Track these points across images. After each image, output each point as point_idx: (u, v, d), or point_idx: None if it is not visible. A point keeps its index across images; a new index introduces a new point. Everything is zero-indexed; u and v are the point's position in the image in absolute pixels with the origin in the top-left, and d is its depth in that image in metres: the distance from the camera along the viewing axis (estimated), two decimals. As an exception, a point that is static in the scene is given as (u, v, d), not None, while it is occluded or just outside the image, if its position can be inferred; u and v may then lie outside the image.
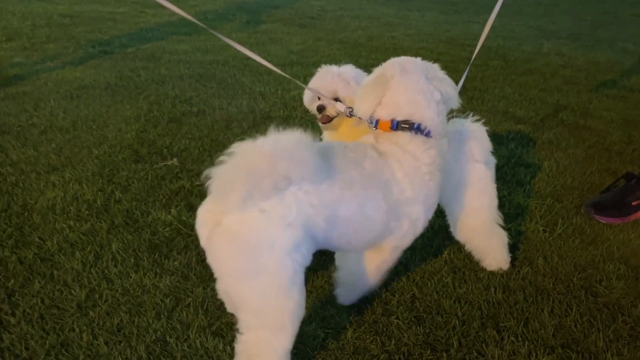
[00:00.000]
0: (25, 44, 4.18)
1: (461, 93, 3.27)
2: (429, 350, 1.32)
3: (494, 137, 2.64)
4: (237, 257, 1.06)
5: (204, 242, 1.11)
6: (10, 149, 2.35)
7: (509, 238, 1.65)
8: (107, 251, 1.66)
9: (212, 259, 1.11)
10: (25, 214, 1.85)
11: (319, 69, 1.68)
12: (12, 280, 1.51)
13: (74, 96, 3.05)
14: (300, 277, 1.10)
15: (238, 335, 1.13)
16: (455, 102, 1.35)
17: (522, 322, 1.41)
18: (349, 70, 1.67)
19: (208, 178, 1.05)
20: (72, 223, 1.81)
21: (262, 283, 1.06)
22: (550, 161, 2.36)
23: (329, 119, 1.64)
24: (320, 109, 1.63)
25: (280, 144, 1.05)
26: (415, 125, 1.26)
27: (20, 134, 2.51)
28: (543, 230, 1.83)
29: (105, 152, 2.35)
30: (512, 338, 1.35)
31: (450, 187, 1.54)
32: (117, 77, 3.40)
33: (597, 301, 1.50)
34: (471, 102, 3.15)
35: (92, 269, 1.58)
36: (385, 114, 1.29)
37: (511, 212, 1.94)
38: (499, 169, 2.27)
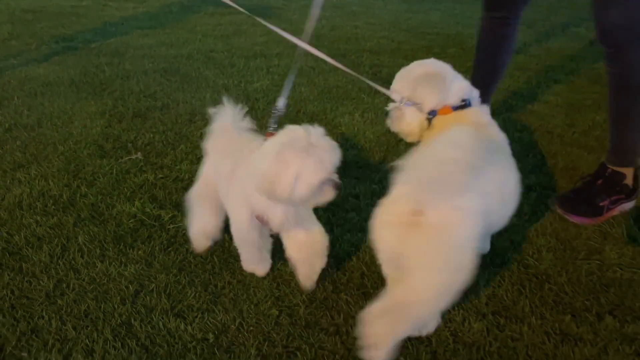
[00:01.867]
0: (-13, 40, 4.17)
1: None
2: (372, 322, 1.45)
3: (446, 123, 2.78)
4: (446, 254, 1.13)
5: (392, 244, 1.19)
6: (-26, 147, 2.40)
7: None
8: (74, 243, 1.75)
9: (413, 257, 1.15)
10: (-8, 212, 1.92)
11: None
12: (-20, 276, 1.60)
13: (38, 93, 3.09)
14: None
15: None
16: None
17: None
18: None
19: (392, 182, 1.16)
20: (39, 218, 1.89)
21: (457, 278, 1.15)
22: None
23: None
24: None
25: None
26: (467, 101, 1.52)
27: (-15, 132, 2.55)
28: (485, 210, 1.97)
29: (71, 148, 2.42)
30: (449, 308, 1.49)
31: None
32: (81, 74, 3.44)
33: (527, 272, 1.65)
34: (427, 90, 3.27)
35: (59, 261, 1.67)
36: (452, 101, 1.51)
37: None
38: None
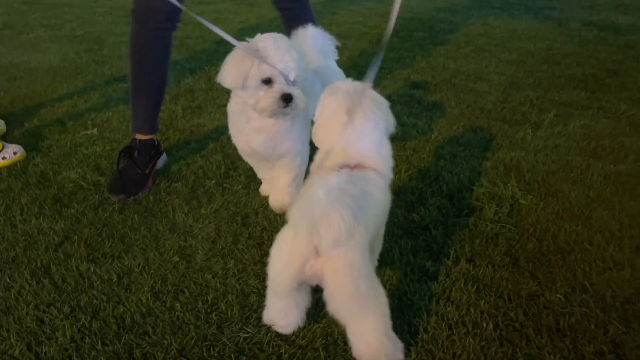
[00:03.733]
0: (-18, 31, 4.46)
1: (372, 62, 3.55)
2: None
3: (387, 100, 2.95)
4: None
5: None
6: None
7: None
8: (17, 203, 2.00)
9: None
10: (-47, 178, 2.17)
11: None
12: None
13: (17, 78, 3.35)
14: None
15: None
16: None
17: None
18: None
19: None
20: (-9, 183, 2.14)
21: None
22: (424, 120, 2.68)
23: None
24: None
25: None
26: None
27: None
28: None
29: (35, 126, 2.67)
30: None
31: None
32: (60, 60, 3.70)
33: (410, 225, 1.84)
34: (380, 71, 3.45)
35: (1, 218, 1.91)
36: None
37: (373, 162, 2.27)
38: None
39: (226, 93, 3.09)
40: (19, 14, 5.07)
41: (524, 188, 2.05)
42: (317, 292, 1.52)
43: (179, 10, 2.02)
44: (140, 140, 2.23)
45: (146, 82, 2.22)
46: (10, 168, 2.25)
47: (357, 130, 1.43)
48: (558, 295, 1.52)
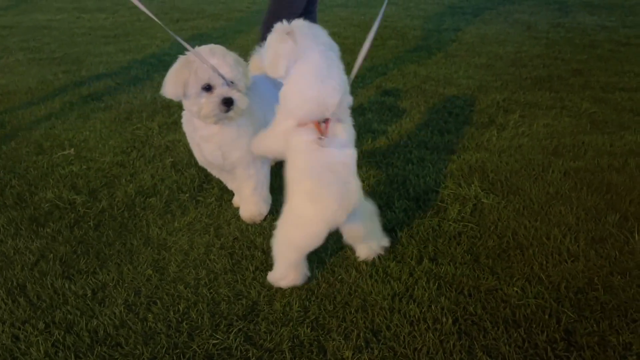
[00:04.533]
0: (-39, 56, 4.50)
1: (346, 72, 3.63)
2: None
3: (358, 109, 3.04)
4: None
5: None
6: None
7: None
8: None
9: None
10: None
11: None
12: None
13: (-5, 101, 3.40)
14: None
15: None
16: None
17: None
18: None
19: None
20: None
21: None
22: (394, 125, 2.75)
23: None
24: None
25: None
26: None
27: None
28: (362, 181, 2.22)
29: (12, 148, 2.71)
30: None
31: None
32: (38, 82, 3.75)
33: (376, 230, 1.90)
34: (354, 80, 3.52)
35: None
36: None
37: (343, 169, 2.33)
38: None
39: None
40: (-2, 39, 5.12)
41: (487, 188, 2.13)
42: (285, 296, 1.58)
43: None
44: None
45: None
46: (-13, 191, 2.29)
47: (323, 75, 1.51)
48: (515, 288, 1.58)
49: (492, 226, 1.89)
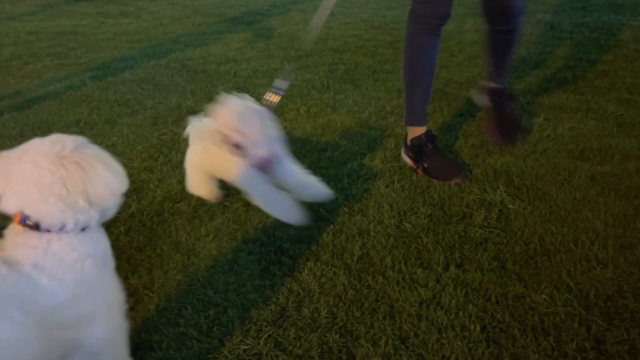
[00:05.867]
0: (-10, 63, 4.62)
1: (368, 75, 3.64)
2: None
3: (381, 112, 3.05)
4: None
5: None
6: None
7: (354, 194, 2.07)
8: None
9: None
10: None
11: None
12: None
13: (25, 107, 3.48)
14: None
15: None
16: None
17: (337, 254, 1.83)
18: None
19: None
20: None
21: None
22: (418, 130, 2.76)
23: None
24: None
25: None
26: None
27: (-27, 144, 2.95)
28: (385, 186, 2.24)
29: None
30: (326, 267, 1.77)
31: None
32: (65, 87, 3.83)
33: (402, 235, 1.91)
34: (375, 84, 3.54)
35: None
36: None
37: (368, 174, 2.35)
38: (372, 141, 2.69)
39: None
40: (25, 44, 5.24)
41: (512, 193, 2.12)
42: (312, 302, 1.60)
43: (450, 8, 2.24)
44: (415, 137, 2.40)
45: (418, 77, 2.40)
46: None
47: None
48: (543, 295, 1.58)
49: (519, 232, 1.88)
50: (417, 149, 2.36)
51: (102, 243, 1.24)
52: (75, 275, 1.13)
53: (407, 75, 2.41)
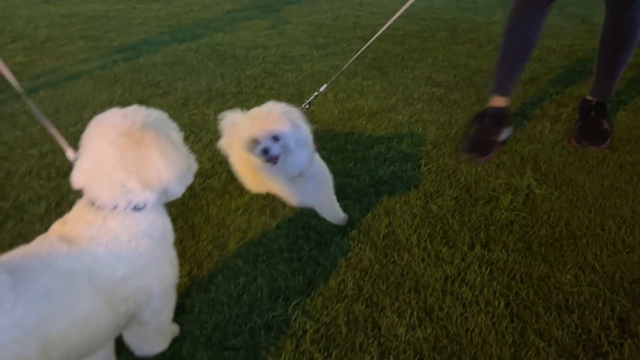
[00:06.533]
0: (27, 44, 4.74)
1: (396, 63, 3.67)
2: (283, 252, 1.79)
3: (408, 99, 3.07)
4: None
5: None
6: (3, 131, 2.88)
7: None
8: (66, 200, 2.18)
9: None
10: (8, 178, 2.38)
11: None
12: (-7, 222, 2.04)
13: (60, 87, 3.58)
14: None
15: None
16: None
17: (363, 231, 1.87)
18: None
19: None
20: (42, 182, 2.33)
21: None
22: (445, 116, 2.77)
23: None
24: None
25: None
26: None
27: (13, 119, 3.05)
28: (412, 169, 2.27)
29: (79, 130, 2.87)
30: (352, 242, 1.81)
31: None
32: (99, 68, 3.93)
33: (428, 215, 1.94)
34: (403, 71, 3.56)
35: (52, 213, 2.10)
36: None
37: (394, 157, 2.38)
38: (399, 126, 2.71)
39: (255, 97, 3.25)
40: (60, 27, 5.36)
41: (539, 179, 2.13)
42: (340, 274, 1.65)
43: None
44: (495, 108, 2.46)
45: (513, 50, 2.44)
46: (59, 169, 2.44)
47: None
48: (568, 276, 1.60)
49: (545, 216, 1.90)
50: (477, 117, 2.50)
51: (159, 223, 1.23)
52: (131, 253, 1.16)
53: (502, 46, 2.48)
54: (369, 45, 4.19)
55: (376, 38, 2.08)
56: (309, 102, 1.85)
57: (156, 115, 1.22)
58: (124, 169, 1.14)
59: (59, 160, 2.52)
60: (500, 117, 2.43)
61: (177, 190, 1.25)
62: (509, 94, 2.48)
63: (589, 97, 2.55)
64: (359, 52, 2.34)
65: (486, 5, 5.54)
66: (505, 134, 2.44)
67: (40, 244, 1.13)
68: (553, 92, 3.03)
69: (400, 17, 5.17)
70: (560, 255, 1.70)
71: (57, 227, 1.19)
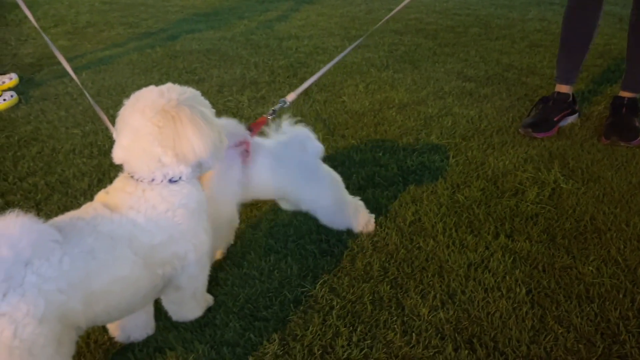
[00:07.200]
0: (69, 29, 4.91)
1: (428, 57, 3.69)
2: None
3: (439, 92, 3.10)
4: None
5: None
6: (48, 111, 3.03)
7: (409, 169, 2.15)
8: (107, 177, 2.30)
9: None
10: (53, 155, 2.51)
11: None
12: (39, 195, 2.17)
13: (101, 70, 3.72)
14: None
15: None
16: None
17: (390, 217, 1.93)
18: None
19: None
20: (85, 160, 2.45)
21: None
22: (475, 110, 2.81)
23: None
24: None
25: None
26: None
27: (57, 100, 3.19)
28: (440, 160, 2.32)
29: (118, 112, 2.99)
30: (379, 228, 1.87)
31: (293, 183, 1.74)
32: (138, 54, 4.05)
33: (454, 205, 1.99)
34: (434, 65, 3.59)
35: (94, 188, 2.21)
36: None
37: (423, 148, 2.43)
38: (428, 118, 2.76)
39: (287, 85, 3.33)
40: (100, 13, 5.52)
41: (567, 174, 2.16)
42: (366, 257, 1.71)
43: None
44: (557, 92, 2.63)
45: (570, 41, 2.64)
46: (100, 148, 2.56)
47: None
48: (590, 268, 1.64)
49: (570, 210, 1.93)
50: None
51: (194, 195, 1.30)
52: (168, 222, 1.24)
53: (560, 37, 2.68)
54: (401, 39, 4.23)
55: (372, 31, 2.10)
56: (274, 111, 1.83)
57: (190, 92, 1.32)
58: (161, 144, 1.22)
59: (100, 139, 2.64)
60: (562, 102, 2.59)
61: (210, 164, 1.34)
62: (571, 82, 2.63)
63: (621, 94, 2.56)
64: (345, 51, 2.35)
65: (521, 2, 5.50)
66: (568, 119, 2.61)
67: (86, 209, 1.23)
68: (585, 90, 3.03)
69: (433, 11, 5.17)
70: (584, 248, 1.74)
71: (101, 196, 1.30)
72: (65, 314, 1.03)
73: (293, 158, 1.72)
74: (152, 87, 1.30)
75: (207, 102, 1.36)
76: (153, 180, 1.24)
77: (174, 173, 1.26)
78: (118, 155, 1.27)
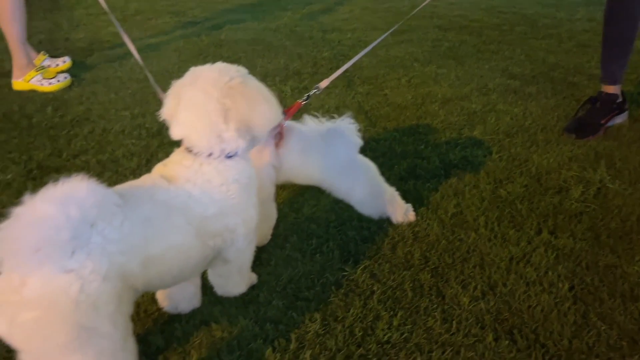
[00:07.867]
0: (118, 16, 5.04)
1: (472, 54, 3.67)
2: (354, 221, 1.89)
3: (483, 89, 3.08)
4: (60, 330, 0.99)
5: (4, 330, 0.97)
6: (99, 93, 3.13)
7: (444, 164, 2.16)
8: (155, 158, 2.37)
9: (24, 341, 0.99)
10: (104, 135, 2.60)
11: None
12: (91, 172, 2.25)
13: (149, 56, 3.82)
14: (130, 330, 1.13)
15: None
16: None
17: (431, 209, 1.94)
18: None
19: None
20: (134, 141, 2.53)
21: (96, 349, 1.04)
22: (519, 108, 2.78)
23: None
24: None
25: (65, 189, 1.01)
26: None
27: (107, 83, 3.30)
28: (483, 155, 2.31)
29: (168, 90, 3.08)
30: (421, 218, 1.89)
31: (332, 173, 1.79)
32: (184, 42, 4.15)
33: (497, 200, 1.99)
34: (478, 62, 3.56)
35: (142, 168, 2.29)
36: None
37: (466, 143, 2.43)
38: (472, 114, 2.75)
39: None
40: (148, 2, 5.66)
41: (613, 174, 2.13)
42: (406, 246, 1.73)
43: None
44: (604, 93, 2.57)
45: (612, 41, 2.52)
46: (148, 130, 2.65)
47: None
48: (636, 267, 1.62)
49: (616, 210, 1.90)
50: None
51: (246, 171, 1.35)
52: (222, 195, 1.28)
53: (602, 37, 2.53)
54: (445, 35, 4.20)
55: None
56: (308, 96, 1.89)
57: (244, 70, 1.40)
58: (225, 121, 1.27)
59: (148, 122, 2.72)
60: (610, 103, 2.53)
61: (263, 137, 1.39)
62: (617, 82, 2.54)
63: None
64: (376, 41, 2.37)
65: (569, 2, 5.39)
66: (618, 119, 2.56)
67: (144, 180, 1.29)
68: (635, 91, 2.96)
69: (478, 8, 5.12)
70: (629, 248, 1.71)
71: (159, 167, 1.35)
72: (125, 275, 1.09)
73: (328, 148, 1.75)
74: (208, 66, 1.35)
75: (256, 79, 1.41)
76: (211, 154, 1.29)
77: (231, 148, 1.31)
78: (177, 131, 1.32)
